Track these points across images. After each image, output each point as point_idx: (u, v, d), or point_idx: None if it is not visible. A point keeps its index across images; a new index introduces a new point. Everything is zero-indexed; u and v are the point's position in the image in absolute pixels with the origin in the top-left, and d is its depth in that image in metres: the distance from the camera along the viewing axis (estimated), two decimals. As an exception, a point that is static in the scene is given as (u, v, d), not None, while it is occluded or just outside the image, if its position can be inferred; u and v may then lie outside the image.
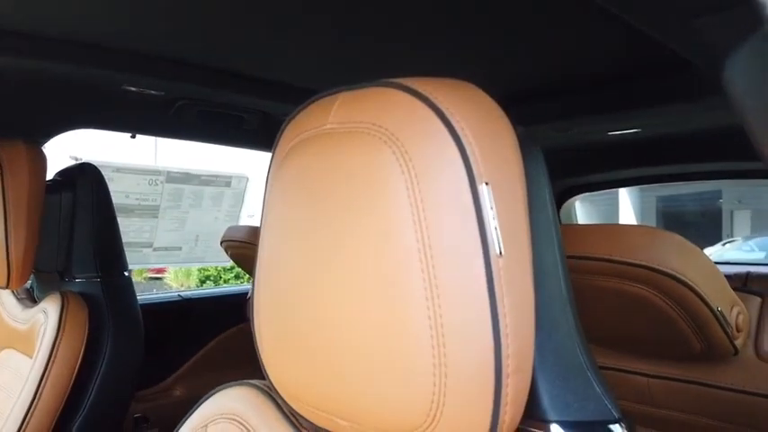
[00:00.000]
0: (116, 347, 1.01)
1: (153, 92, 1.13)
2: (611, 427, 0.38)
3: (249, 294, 1.90)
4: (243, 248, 1.68)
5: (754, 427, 0.92)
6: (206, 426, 0.51)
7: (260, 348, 0.43)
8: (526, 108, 1.24)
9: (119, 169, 2.19)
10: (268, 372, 0.43)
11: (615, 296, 0.83)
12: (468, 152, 0.31)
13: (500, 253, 0.31)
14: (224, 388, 0.53)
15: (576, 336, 0.38)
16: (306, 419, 0.43)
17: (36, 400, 0.91)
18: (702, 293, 0.78)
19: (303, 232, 0.37)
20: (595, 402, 0.38)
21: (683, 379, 1.01)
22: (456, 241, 0.31)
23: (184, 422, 0.53)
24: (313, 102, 0.39)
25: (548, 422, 0.36)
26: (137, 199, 2.34)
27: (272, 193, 0.41)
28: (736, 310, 0.86)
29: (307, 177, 0.37)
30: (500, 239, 0.31)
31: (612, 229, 0.81)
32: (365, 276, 0.33)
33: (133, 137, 1.54)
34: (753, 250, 7.28)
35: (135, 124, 1.39)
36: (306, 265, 0.37)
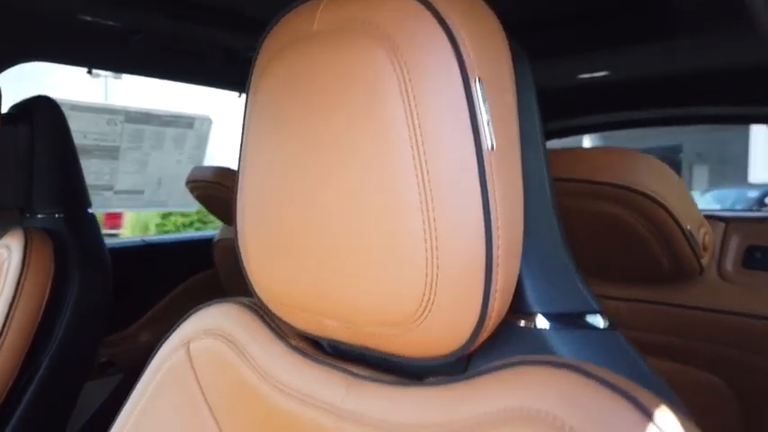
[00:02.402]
0: (84, 284, 1.00)
1: (110, 22, 1.07)
2: (593, 317, 0.40)
3: (216, 239, 1.88)
4: (209, 189, 1.65)
5: (718, 341, 0.98)
6: (187, 344, 0.50)
7: (245, 261, 0.43)
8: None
9: (75, 107, 2.08)
10: (254, 282, 0.43)
11: (589, 217, 0.86)
12: (461, 48, 0.31)
13: (491, 147, 0.32)
14: (204, 307, 0.52)
15: (559, 237, 0.39)
16: (294, 329, 0.43)
17: (2, 337, 0.89)
18: (674, 212, 0.82)
19: (291, 138, 0.37)
20: (577, 296, 0.40)
21: (650, 300, 1.06)
22: (449, 135, 0.31)
23: (162, 345, 0.52)
24: (293, 8, 0.38)
25: (533, 314, 0.37)
26: (95, 139, 2.25)
27: (254, 104, 0.40)
28: (704, 231, 0.91)
29: (293, 83, 0.36)
30: (492, 134, 0.32)
31: (587, 152, 0.83)
32: (358, 174, 0.34)
33: (89, 72, 1.47)
34: (709, 203, 7.61)
35: (92, 58, 1.32)
36: (295, 168, 0.37)
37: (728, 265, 0.99)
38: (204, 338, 0.49)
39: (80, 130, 2.16)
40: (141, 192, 2.67)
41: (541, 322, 0.37)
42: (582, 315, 0.39)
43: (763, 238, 0.98)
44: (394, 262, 0.33)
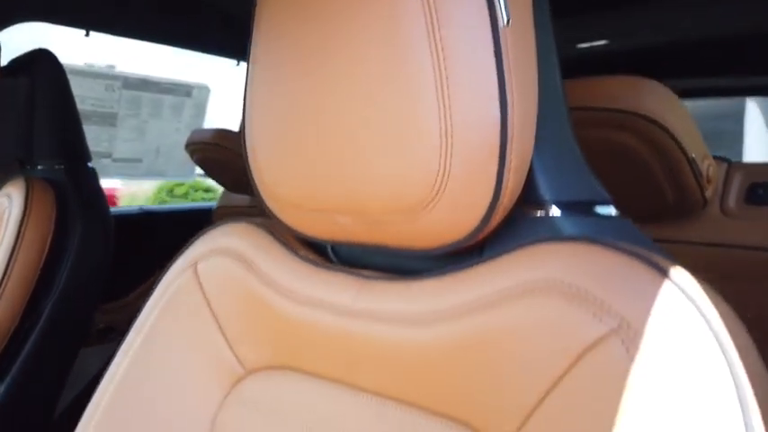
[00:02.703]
0: (86, 235, 1.00)
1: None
2: (604, 207, 0.40)
3: (216, 206, 1.89)
4: (209, 151, 1.65)
5: (719, 274, 1.00)
6: (194, 265, 0.49)
7: (254, 169, 0.43)
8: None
9: (72, 71, 2.07)
10: (262, 190, 0.43)
11: (595, 148, 0.85)
12: None
13: (507, 23, 0.32)
14: (211, 228, 0.51)
15: (569, 127, 0.39)
16: (303, 239, 0.43)
17: (3, 286, 0.90)
18: (680, 140, 0.83)
19: (300, 32, 0.37)
20: (589, 186, 0.40)
21: (654, 239, 1.07)
22: (463, 11, 0.31)
23: (167, 269, 0.52)
24: None
25: (545, 202, 0.37)
26: (92, 105, 2.23)
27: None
28: (707, 162, 0.92)
29: None
30: (506, 9, 0.32)
31: (595, 81, 0.83)
32: (370, 56, 0.33)
33: (87, 34, 1.46)
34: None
35: (89, 19, 1.31)
36: (305, 60, 0.37)
37: (731, 201, 1.01)
38: (211, 258, 0.49)
39: (78, 95, 2.14)
40: (140, 160, 2.67)
41: (554, 210, 0.37)
42: (593, 204, 0.39)
43: (765, 176, 1.00)
44: (407, 143, 0.33)
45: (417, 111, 0.33)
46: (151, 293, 0.53)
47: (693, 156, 0.87)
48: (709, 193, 0.95)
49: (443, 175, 0.33)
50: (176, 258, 0.52)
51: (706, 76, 1.63)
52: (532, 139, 0.35)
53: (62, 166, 1.05)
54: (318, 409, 0.41)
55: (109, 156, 2.46)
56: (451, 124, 0.32)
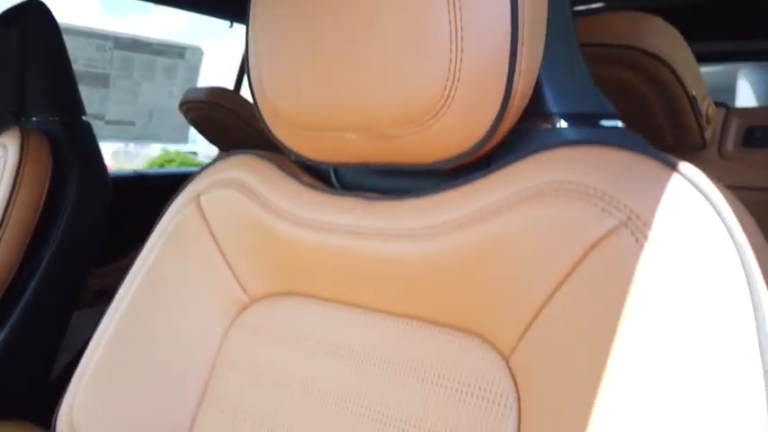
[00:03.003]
0: (83, 185, 1.00)
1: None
2: (610, 121, 0.40)
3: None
4: (204, 110, 1.63)
5: None
6: (197, 197, 0.49)
7: (259, 92, 0.43)
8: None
9: (63, 29, 2.03)
10: (266, 114, 0.43)
11: (596, 82, 0.86)
12: None
13: None
14: (213, 161, 0.51)
15: (576, 46, 0.39)
16: (307, 164, 0.43)
17: (2, 230, 0.90)
18: (682, 77, 0.83)
19: None
20: (595, 100, 0.40)
21: None
22: None
23: (170, 204, 0.51)
24: None
25: (552, 114, 0.38)
26: (84, 65, 2.20)
27: None
28: (707, 102, 0.92)
29: None
30: None
31: (596, 18, 0.83)
32: None
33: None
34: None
35: None
36: None
37: (729, 145, 1.02)
38: (214, 190, 0.49)
39: (69, 55, 2.11)
40: (132, 123, 2.64)
41: (560, 123, 0.37)
42: (599, 117, 0.39)
43: (763, 119, 1.01)
44: (417, 50, 0.33)
45: (427, 16, 0.32)
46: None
47: (694, 94, 0.87)
48: (708, 135, 0.96)
49: (453, 81, 0.33)
50: (178, 193, 0.52)
51: (701, 41, 1.62)
52: (542, 44, 0.35)
53: (56, 119, 1.03)
54: (324, 331, 0.41)
55: (101, 118, 2.43)
56: (462, 27, 0.32)
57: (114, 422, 0.46)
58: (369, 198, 0.41)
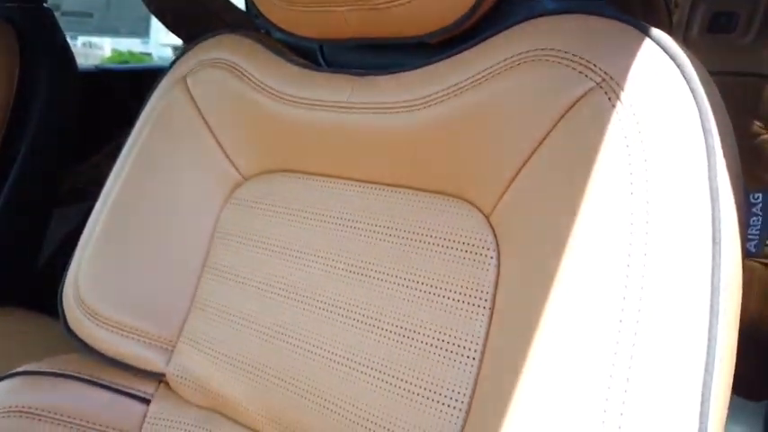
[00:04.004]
0: (54, 75, 0.97)
1: None
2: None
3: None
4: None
5: None
6: (183, 78, 0.50)
7: None
8: None
9: None
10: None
11: None
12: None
13: None
14: (196, 42, 0.51)
15: None
16: (296, 35, 0.44)
17: None
18: None
19: None
20: None
21: None
22: None
23: (155, 86, 0.51)
24: None
25: None
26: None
27: None
28: None
29: None
30: None
31: None
32: None
33: None
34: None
35: None
36: None
37: (694, 31, 1.04)
38: (201, 70, 0.48)
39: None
40: (90, 14, 2.49)
41: None
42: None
43: (729, 5, 1.03)
44: None
45: None
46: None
47: None
48: (675, 18, 0.98)
49: None
50: (164, 75, 0.51)
51: None
52: None
53: (15, 4, 0.98)
54: (315, 203, 0.44)
55: (57, 8, 2.27)
56: None
57: (119, 288, 0.49)
58: (359, 74, 0.42)
